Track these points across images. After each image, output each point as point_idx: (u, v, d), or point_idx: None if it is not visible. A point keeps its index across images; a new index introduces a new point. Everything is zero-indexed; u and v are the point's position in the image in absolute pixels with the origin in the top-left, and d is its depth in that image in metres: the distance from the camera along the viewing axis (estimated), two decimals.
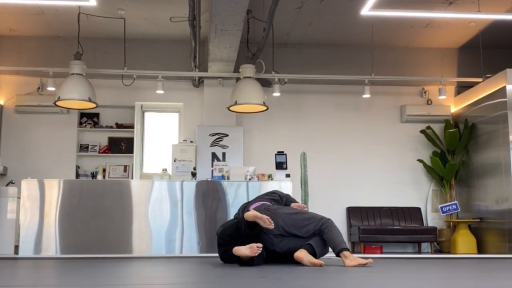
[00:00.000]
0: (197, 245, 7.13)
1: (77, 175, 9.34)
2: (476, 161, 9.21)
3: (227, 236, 4.72)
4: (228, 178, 7.48)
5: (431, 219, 9.61)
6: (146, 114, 9.93)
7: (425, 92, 9.99)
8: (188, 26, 7.76)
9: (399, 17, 8.52)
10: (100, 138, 9.63)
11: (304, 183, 8.04)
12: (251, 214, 4.51)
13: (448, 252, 9.01)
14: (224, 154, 9.11)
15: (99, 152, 9.54)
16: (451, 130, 9.34)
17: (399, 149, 9.82)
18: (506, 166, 8.31)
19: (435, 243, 9.18)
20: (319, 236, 4.63)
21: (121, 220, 7.11)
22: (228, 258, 4.68)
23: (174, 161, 8.69)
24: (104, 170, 9.36)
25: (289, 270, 3.96)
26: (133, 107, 9.58)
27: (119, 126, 9.64)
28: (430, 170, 9.58)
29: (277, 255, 4.73)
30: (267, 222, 4.41)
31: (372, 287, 2.78)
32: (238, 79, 8.59)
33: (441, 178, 9.49)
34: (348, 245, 9.28)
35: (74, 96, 7.89)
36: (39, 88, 9.35)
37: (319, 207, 8.91)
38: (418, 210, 9.57)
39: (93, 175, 9.26)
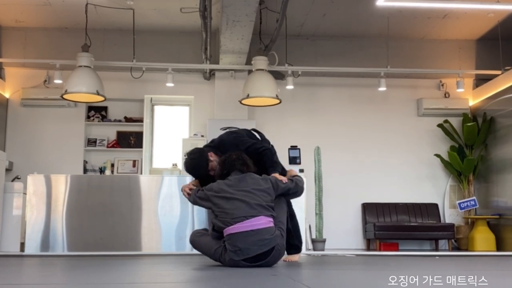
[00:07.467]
0: None
1: (85, 170, 9.26)
2: (495, 156, 9.03)
3: None
4: None
5: (449, 215, 9.44)
6: (156, 108, 9.81)
7: (442, 85, 9.80)
8: (199, 17, 7.72)
9: (415, 7, 8.44)
10: (108, 132, 9.51)
11: (318, 178, 8.04)
12: None
13: (466, 250, 8.88)
14: None
15: (107, 147, 9.44)
16: (469, 124, 9.17)
17: (416, 143, 9.64)
18: None
19: (452, 240, 9.03)
20: None
21: (130, 217, 7.02)
22: None
23: (185, 155, 8.56)
24: (112, 165, 9.30)
25: (300, 269, 3.93)
26: (142, 101, 9.48)
27: (128, 120, 9.52)
28: (447, 165, 9.39)
29: None
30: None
31: (388, 284, 2.71)
32: (250, 71, 8.50)
33: (459, 173, 9.31)
34: (363, 242, 9.22)
35: (82, 89, 7.83)
36: (45, 81, 9.23)
37: (333, 203, 8.84)
38: (435, 206, 9.40)
39: (101, 170, 9.20)
